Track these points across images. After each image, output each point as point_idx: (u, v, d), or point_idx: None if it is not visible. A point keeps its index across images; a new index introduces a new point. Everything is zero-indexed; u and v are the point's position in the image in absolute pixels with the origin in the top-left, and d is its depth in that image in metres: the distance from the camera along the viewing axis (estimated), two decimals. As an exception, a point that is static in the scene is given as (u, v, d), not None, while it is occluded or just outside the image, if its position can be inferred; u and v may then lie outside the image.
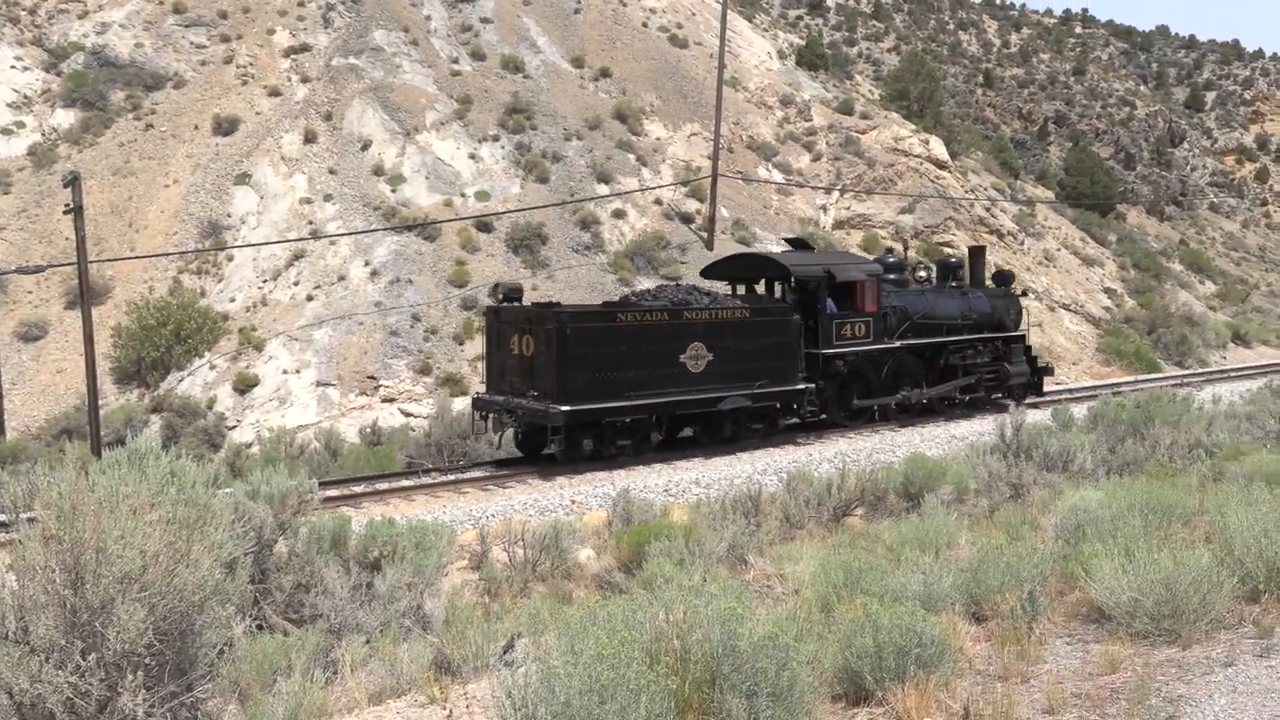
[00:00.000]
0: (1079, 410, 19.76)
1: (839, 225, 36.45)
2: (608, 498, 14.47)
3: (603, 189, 29.08)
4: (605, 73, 33.57)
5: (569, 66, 33.31)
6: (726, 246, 29.17)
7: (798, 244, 22.22)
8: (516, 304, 17.27)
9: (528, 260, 26.07)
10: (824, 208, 36.23)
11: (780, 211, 33.78)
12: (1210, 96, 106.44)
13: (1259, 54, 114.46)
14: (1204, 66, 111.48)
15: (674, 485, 16.18)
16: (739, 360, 17.91)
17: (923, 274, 23.75)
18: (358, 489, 15.97)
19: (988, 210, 42.62)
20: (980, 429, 20.95)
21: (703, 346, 17.48)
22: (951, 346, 22.05)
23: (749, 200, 32.72)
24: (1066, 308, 40.16)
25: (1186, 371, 35.15)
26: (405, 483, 16.44)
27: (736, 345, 17.87)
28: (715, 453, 18.03)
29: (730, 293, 19.98)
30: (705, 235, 28.80)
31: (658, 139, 32.31)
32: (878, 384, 20.87)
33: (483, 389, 17.55)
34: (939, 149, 41.86)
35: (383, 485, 16.25)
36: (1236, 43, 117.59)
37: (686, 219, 29.52)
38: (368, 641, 6.81)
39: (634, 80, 34.08)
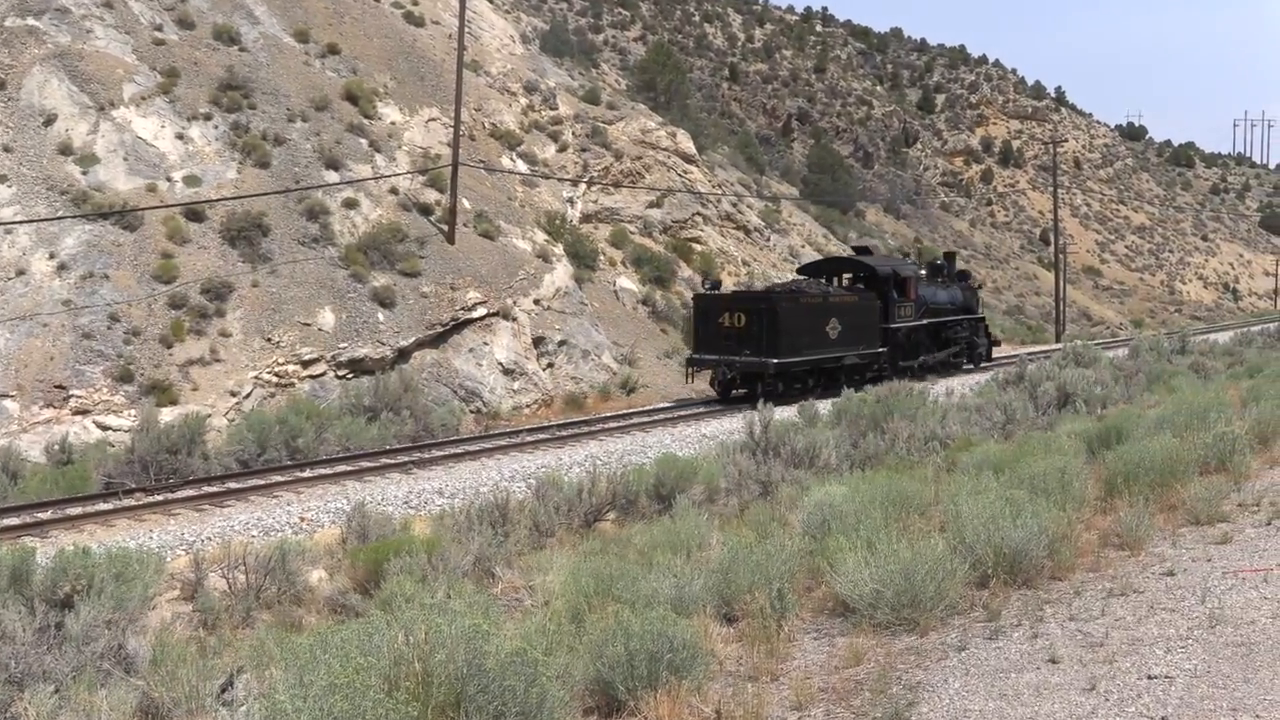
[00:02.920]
0: (823, 407, 20.97)
1: (586, 219, 36.95)
2: (341, 513, 14.01)
3: (332, 176, 28.11)
4: (333, 49, 32.45)
5: (292, 41, 31.95)
6: (469, 240, 28.95)
7: (862, 250, 34.15)
8: (719, 292, 27.31)
9: (246, 253, 24.82)
10: (571, 200, 36.63)
11: (526, 204, 33.88)
12: (940, 99, 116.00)
13: (983, 59, 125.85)
14: (934, 69, 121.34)
15: (415, 496, 15.89)
16: (852, 330, 27.25)
17: (922, 272, 32.71)
18: (44, 515, 14.67)
19: (735, 206, 44.48)
20: (730, 427, 21.84)
21: (836, 320, 26.85)
22: (948, 325, 32.17)
23: (492, 191, 32.61)
24: (811, 304, 42.50)
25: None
26: (103, 506, 15.29)
27: (851, 320, 27.30)
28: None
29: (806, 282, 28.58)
30: (446, 228, 28.47)
31: (393, 124, 31.58)
32: (910, 351, 30.17)
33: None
34: (686, 143, 43.28)
35: (75, 510, 15.00)
36: (963, 48, 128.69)
37: (425, 210, 29.04)
38: (57, 690, 6.25)
39: (366, 59, 33.16)
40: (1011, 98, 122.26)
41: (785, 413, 21.07)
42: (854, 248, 36.83)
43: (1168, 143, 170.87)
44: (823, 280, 29.06)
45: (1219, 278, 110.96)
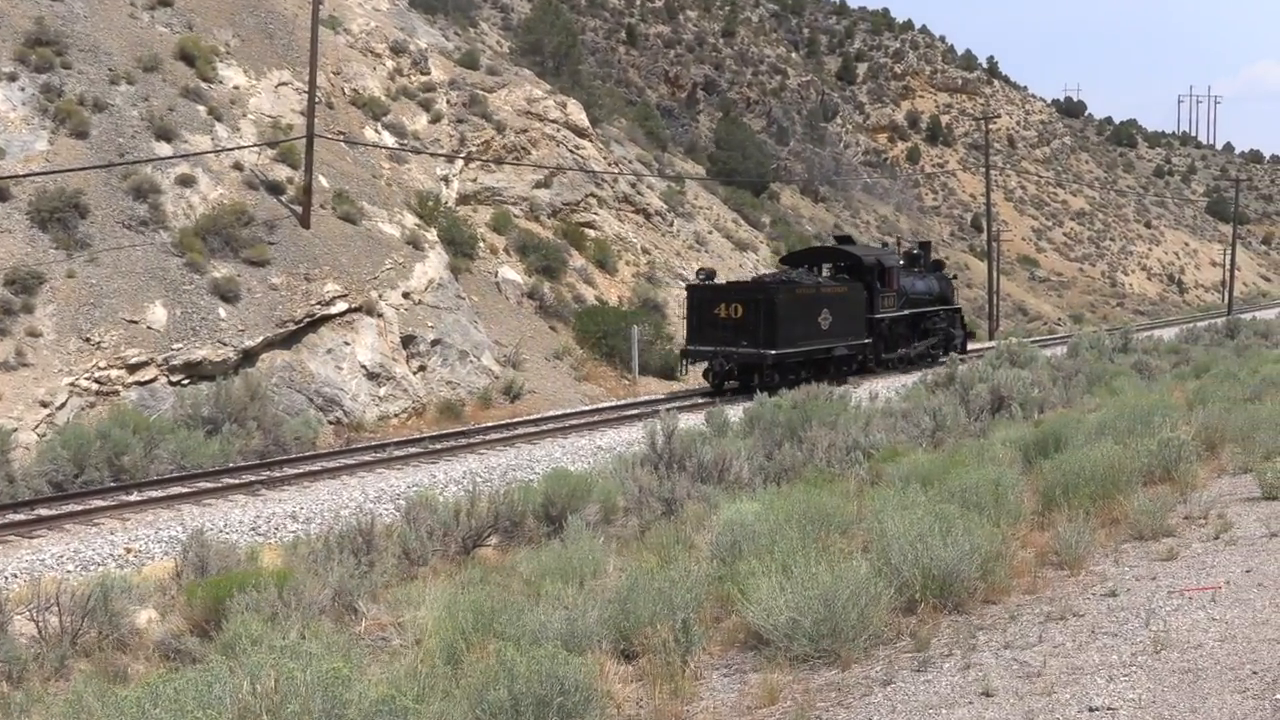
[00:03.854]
0: (734, 413, 21.19)
1: (464, 200, 36.70)
2: (175, 542, 13.68)
3: (164, 149, 27.37)
4: (165, 0, 31.66)
5: (115, -11, 31.04)
6: (327, 224, 28.51)
7: (844, 240, 38.45)
8: (713, 282, 30.34)
9: (60, 238, 24.01)
10: (446, 179, 36.34)
11: (393, 182, 33.49)
12: (862, 69, 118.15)
13: (908, 25, 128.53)
14: (855, 36, 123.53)
15: (264, 522, 15.62)
16: (841, 321, 30.33)
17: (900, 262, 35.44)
18: None
19: (633, 187, 44.67)
20: (629, 437, 21.93)
21: (827, 311, 29.89)
22: (928, 314, 35.72)
23: (354, 168, 32.16)
24: (720, 298, 42.92)
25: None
26: (-116, 539, 14.64)
27: (840, 311, 30.35)
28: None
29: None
30: (300, 210, 27.98)
31: (236, 88, 30.91)
32: (893, 342, 33.65)
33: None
34: (578, 114, 43.30)
35: None
36: (886, 12, 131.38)
37: (275, 189, 28.50)
38: None
39: (203, 13, 32.39)
40: (940, 68, 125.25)
41: (691, 421, 21.22)
42: (836, 236, 42.01)
43: (1108, 120, 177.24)
44: (805, 270, 32.01)
45: (1163, 268, 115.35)
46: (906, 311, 34.18)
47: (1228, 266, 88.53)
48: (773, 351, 27.86)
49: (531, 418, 26.01)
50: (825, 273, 32.59)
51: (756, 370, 28.18)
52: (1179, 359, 31.62)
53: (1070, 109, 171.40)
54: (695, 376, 30.72)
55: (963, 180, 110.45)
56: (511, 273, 34.62)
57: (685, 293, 30.88)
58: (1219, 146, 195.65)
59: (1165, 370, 27.39)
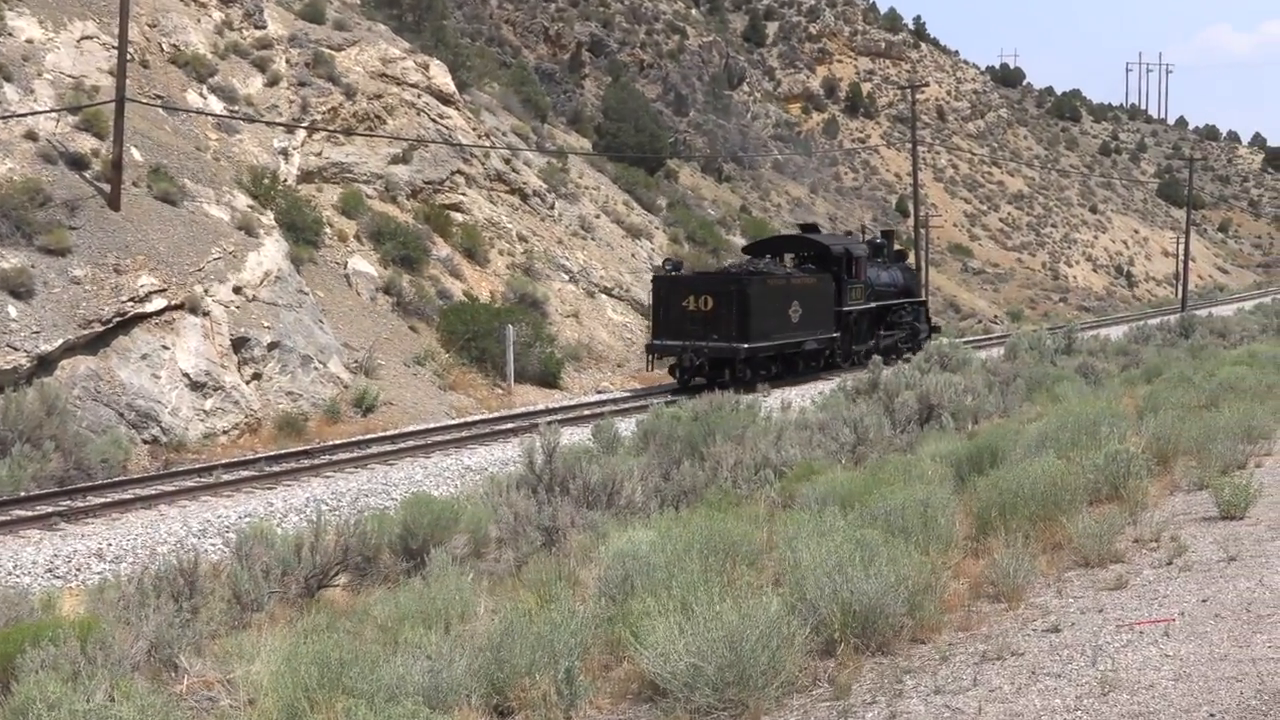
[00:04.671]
0: (625, 426, 21.27)
1: (307, 177, 36.22)
2: (-46, 588, 13.22)
3: (-61, 114, 26.59)
4: (-60, -65, 30.72)
5: (-123, -79, 30.03)
6: (141, 205, 27.90)
7: (809, 228, 41.32)
8: (681, 273, 33.36)
9: None
10: (285, 152, 35.82)
11: (222, 156, 32.92)
12: (772, 29, 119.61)
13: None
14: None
15: (64, 561, 15.27)
16: (811, 314, 33.48)
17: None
18: None
19: (508, 163, 44.56)
20: (503, 456, 21.88)
21: (798, 304, 32.99)
22: (893, 308, 39.04)
23: (174, 139, 31.55)
24: (609, 292, 43.08)
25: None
26: None
27: (810, 303, 33.53)
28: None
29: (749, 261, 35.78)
30: (108, 188, 27.36)
31: (29, 42, 30.13)
32: (859, 336, 36.67)
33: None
34: (443, 77, 43.03)
35: None
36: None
37: (78, 163, 27.85)
38: None
39: (-12, -50, 31.53)
40: (861, 29, 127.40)
41: (576, 436, 21.22)
42: (801, 225, 45.17)
43: (1049, 90, 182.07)
44: (770, 260, 34.86)
45: (1111, 259, 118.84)
46: (873, 304, 37.42)
47: (1181, 257, 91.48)
48: (745, 345, 30.70)
49: (388, 434, 25.81)
50: (789, 263, 35.56)
51: (728, 365, 30.93)
52: (1128, 361, 32.56)
53: (1007, 78, 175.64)
54: (630, 375, 30.93)
55: (886, 157, 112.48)
56: (364, 264, 34.28)
57: (651, 285, 33.92)
58: (1171, 121, 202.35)
59: (1113, 374, 28.16)
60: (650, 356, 32.76)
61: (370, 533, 13.00)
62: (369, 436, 25.34)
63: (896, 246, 43.11)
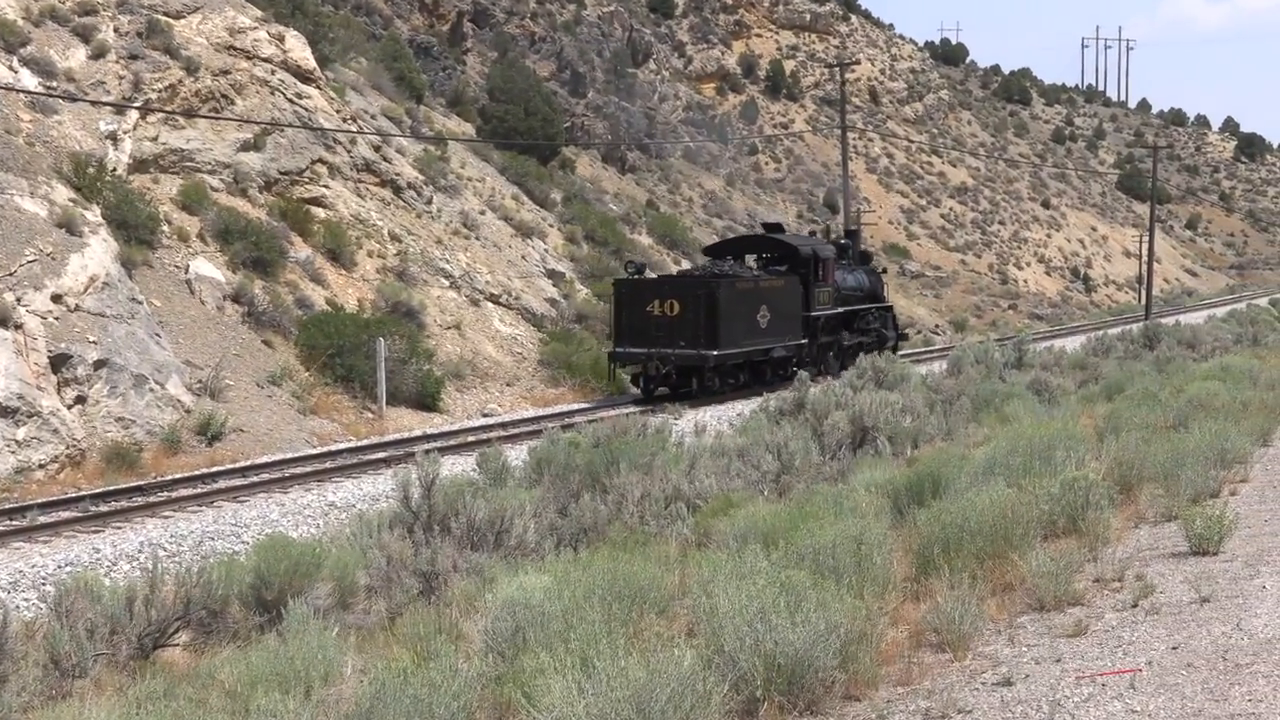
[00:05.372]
0: (516, 455, 21.20)
1: (140, 166, 35.70)
2: None
3: None
4: None
5: None
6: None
7: (773, 227, 44.03)
8: (644, 276, 35.91)
9: None
10: (114, 137, 35.28)
11: (38, 140, 32.35)
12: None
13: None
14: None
15: None
16: (779, 319, 35.47)
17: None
18: None
19: (378, 151, 44.27)
20: (373, 491, 21.72)
21: (766, 308, 35.01)
22: (860, 313, 41.42)
23: (-19, 121, 31.03)
24: (496, 300, 42.95)
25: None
26: None
27: (779, 307, 35.59)
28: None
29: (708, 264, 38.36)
30: (-98, 179, 26.83)
31: None
32: (827, 343, 38.87)
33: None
34: (301, 51, 42.63)
35: None
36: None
37: None
38: None
39: None
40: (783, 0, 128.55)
41: (459, 465, 21.12)
42: (764, 225, 48.59)
43: (995, 69, 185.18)
44: (732, 262, 37.06)
45: (1066, 260, 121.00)
46: (840, 309, 39.83)
47: (1145, 258, 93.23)
48: (715, 352, 32.78)
49: (237, 466, 25.50)
50: (752, 264, 37.98)
51: (696, 374, 33.33)
52: (1086, 376, 33.11)
53: (948, 55, 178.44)
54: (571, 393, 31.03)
55: (812, 145, 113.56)
56: (209, 267, 33.85)
57: (613, 290, 35.94)
58: (1132, 104, 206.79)
59: (1070, 391, 28.63)
60: (612, 366, 34.82)
61: (216, 582, 12.83)
62: (215, 469, 25.02)
63: (861, 247, 45.89)
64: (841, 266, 40.70)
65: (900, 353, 43.64)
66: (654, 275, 38.32)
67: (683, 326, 32.76)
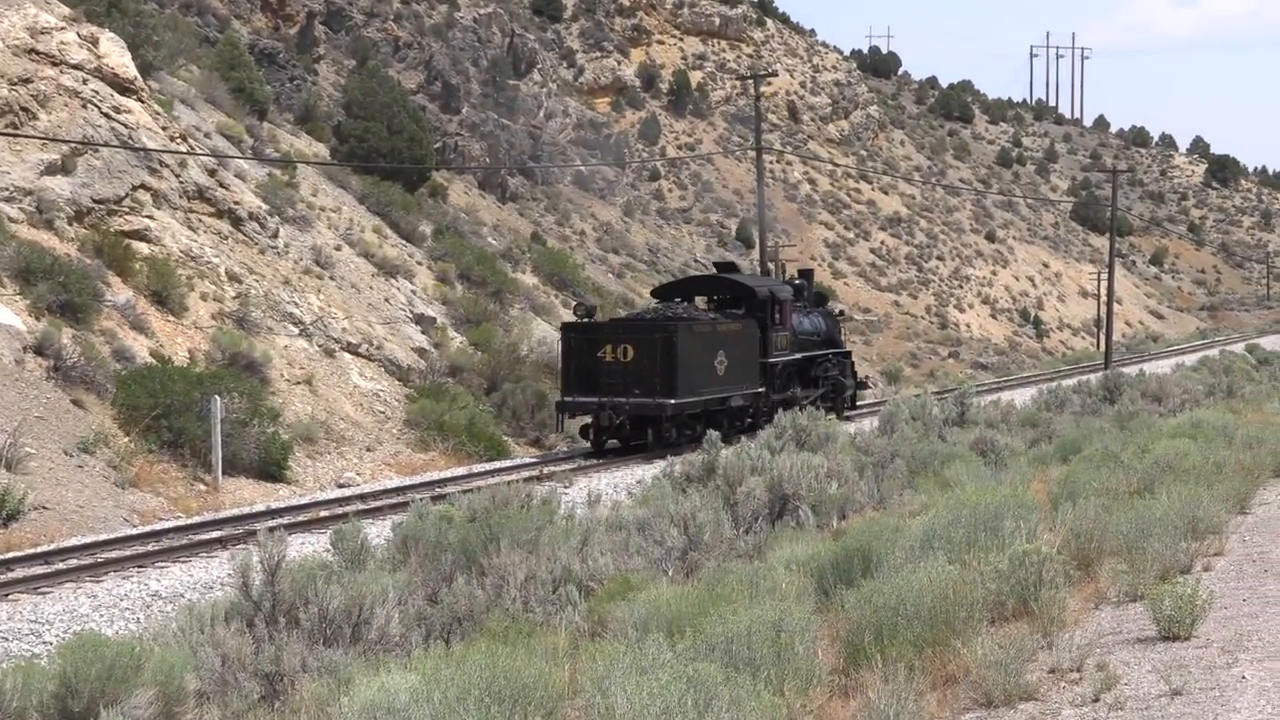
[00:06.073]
0: (378, 531, 21.03)
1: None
2: None
3: None
4: None
5: None
6: None
7: (726, 267, 48.64)
8: (594, 320, 38.28)
9: None
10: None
11: None
12: (572, 0, 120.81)
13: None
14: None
15: None
16: (736, 366, 37.53)
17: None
18: None
19: (213, 176, 43.96)
20: (208, 577, 21.42)
21: (723, 354, 36.98)
22: (817, 359, 43.71)
23: None
24: (355, 350, 42.69)
25: (545, 453, 39.09)
26: None
27: (736, 353, 37.59)
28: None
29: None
30: None
31: None
32: (783, 391, 40.48)
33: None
34: (119, 56, 42.28)
35: None
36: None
37: None
38: None
39: None
40: (688, 1, 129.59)
41: (311, 545, 20.89)
42: (717, 264, 52.54)
43: (932, 82, 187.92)
44: (683, 305, 39.13)
45: (1014, 300, 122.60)
46: (798, 355, 42.15)
47: (1104, 298, 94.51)
48: (672, 401, 34.69)
49: (39, 551, 25.01)
50: (702, 306, 40.34)
51: (652, 424, 35.20)
52: (1038, 434, 33.48)
53: (877, 66, 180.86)
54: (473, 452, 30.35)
55: (723, 169, 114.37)
56: (6, 314, 33.39)
57: (560, 334, 38.66)
58: (1088, 122, 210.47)
59: (1019, 451, 28.88)
60: (560, 416, 37.10)
61: (10, 692, 12.57)
62: (11, 555, 24.54)
63: (815, 289, 48.36)
64: (797, 309, 42.76)
65: (860, 403, 47.39)
66: (602, 319, 40.20)
67: (638, 373, 34.54)
